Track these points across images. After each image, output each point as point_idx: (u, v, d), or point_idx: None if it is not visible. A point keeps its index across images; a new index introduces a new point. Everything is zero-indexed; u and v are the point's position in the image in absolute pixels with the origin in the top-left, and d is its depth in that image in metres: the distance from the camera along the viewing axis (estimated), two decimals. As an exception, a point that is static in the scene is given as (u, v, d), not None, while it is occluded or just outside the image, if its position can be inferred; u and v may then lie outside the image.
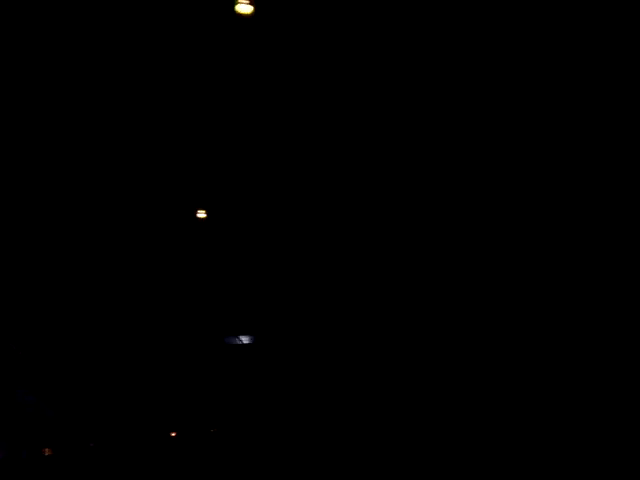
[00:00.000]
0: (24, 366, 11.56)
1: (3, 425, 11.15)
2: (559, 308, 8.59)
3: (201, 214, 11.26)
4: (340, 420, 11.19)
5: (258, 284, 12.46)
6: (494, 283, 9.38)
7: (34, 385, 11.59)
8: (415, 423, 10.16)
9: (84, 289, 12.06)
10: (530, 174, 8.87)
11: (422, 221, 10.14)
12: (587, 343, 8.23)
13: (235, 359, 13.00)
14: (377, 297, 10.88)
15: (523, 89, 8.25)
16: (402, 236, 10.41)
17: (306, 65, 7.98)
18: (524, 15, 7.09)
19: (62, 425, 11.65)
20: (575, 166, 8.39)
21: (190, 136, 9.92)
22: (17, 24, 7.53)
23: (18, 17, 7.44)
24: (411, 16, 7.10)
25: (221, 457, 12.36)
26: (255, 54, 7.83)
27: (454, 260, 9.86)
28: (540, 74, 7.98)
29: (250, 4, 6.82)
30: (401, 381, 10.52)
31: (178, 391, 12.91)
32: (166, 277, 12.57)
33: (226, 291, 12.84)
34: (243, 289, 12.65)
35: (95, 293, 12.19)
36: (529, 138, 8.68)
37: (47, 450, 11.06)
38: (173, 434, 12.78)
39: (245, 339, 12.65)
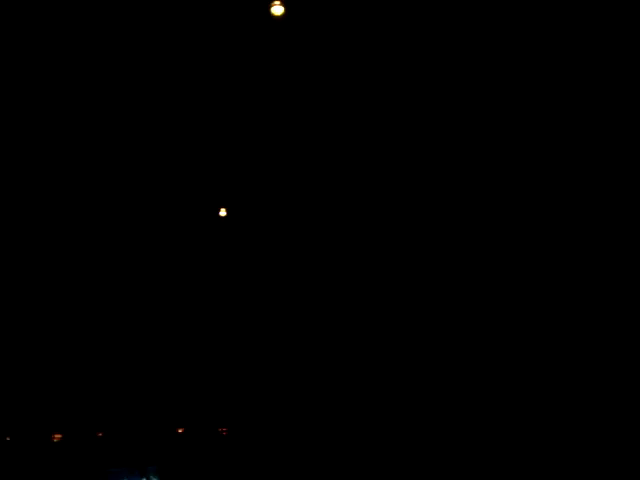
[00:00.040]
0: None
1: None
2: (559, 308, 8.63)
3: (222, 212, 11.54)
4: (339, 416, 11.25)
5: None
6: (494, 283, 9.44)
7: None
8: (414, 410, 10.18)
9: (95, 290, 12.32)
10: (530, 174, 8.96)
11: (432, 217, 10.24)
12: (587, 343, 8.26)
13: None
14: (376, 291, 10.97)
15: (523, 89, 8.40)
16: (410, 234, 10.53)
17: (334, 66, 8.26)
18: (524, 15, 7.29)
19: (71, 412, 11.85)
20: (575, 166, 8.47)
21: (219, 134, 10.21)
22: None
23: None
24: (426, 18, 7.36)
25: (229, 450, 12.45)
26: (286, 54, 8.14)
27: (454, 260, 9.95)
28: (540, 74, 8.12)
29: (281, 5, 7.14)
30: (400, 377, 10.57)
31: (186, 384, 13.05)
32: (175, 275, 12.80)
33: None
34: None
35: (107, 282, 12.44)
36: (528, 138, 8.79)
37: (56, 436, 11.26)
38: (180, 430, 12.89)
39: None
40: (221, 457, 12.62)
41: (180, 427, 12.96)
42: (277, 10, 7.37)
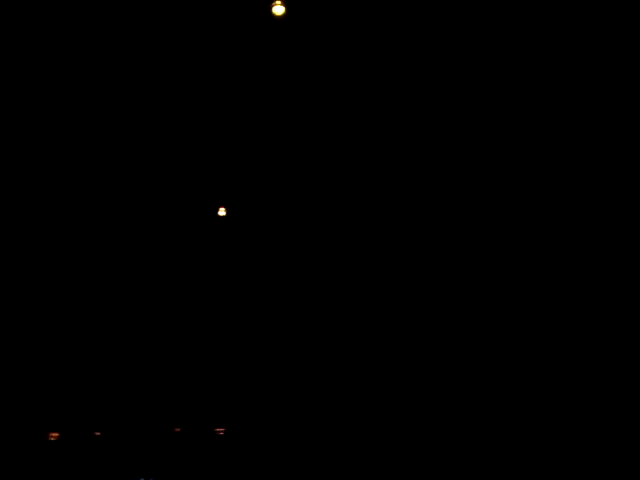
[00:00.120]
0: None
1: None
2: (559, 308, 8.62)
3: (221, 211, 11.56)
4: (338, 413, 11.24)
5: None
6: (494, 283, 9.44)
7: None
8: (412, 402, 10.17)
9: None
10: (529, 174, 8.96)
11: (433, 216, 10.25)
12: (587, 343, 8.25)
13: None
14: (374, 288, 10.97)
15: (522, 89, 8.41)
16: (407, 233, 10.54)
17: (333, 65, 8.30)
18: (524, 15, 7.32)
19: (68, 411, 11.83)
20: (575, 166, 8.47)
21: (221, 131, 10.22)
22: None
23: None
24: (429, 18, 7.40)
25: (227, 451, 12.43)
26: (287, 52, 8.17)
27: (453, 259, 9.95)
28: (540, 74, 8.14)
29: (282, 5, 7.18)
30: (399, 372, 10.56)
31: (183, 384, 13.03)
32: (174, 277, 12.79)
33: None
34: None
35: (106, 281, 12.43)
36: (528, 138, 8.79)
37: (53, 435, 11.23)
38: (177, 429, 12.88)
39: None
40: (219, 457, 12.60)
41: (177, 427, 12.95)
42: (278, 10, 7.40)
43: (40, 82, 9.23)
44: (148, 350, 12.73)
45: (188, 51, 8.81)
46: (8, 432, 11.14)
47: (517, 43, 7.82)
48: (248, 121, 9.90)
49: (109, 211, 11.73)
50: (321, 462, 11.08)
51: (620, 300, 8.04)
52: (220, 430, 12.85)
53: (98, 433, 11.84)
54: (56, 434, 11.24)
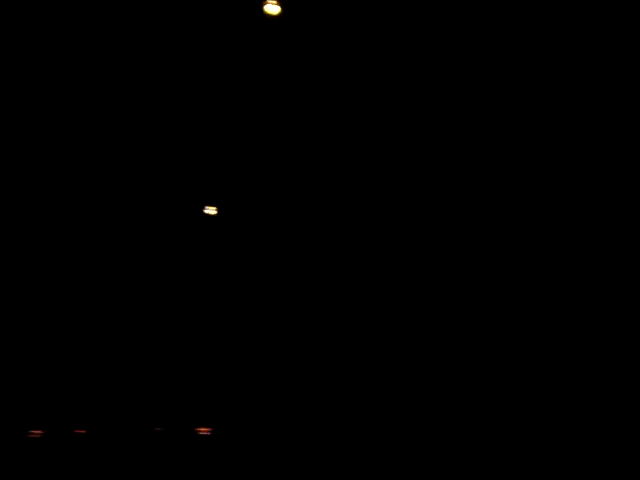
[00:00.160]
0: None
1: None
2: (559, 308, 8.71)
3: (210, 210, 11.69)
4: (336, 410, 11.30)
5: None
6: (494, 283, 9.53)
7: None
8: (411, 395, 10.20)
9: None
10: (529, 174, 9.12)
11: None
12: (587, 343, 8.35)
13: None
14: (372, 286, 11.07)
15: (522, 89, 8.65)
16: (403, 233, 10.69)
17: (328, 64, 8.54)
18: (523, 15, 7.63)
19: (51, 408, 11.73)
20: (574, 166, 8.63)
21: (210, 132, 10.34)
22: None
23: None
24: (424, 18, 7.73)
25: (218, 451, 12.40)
26: (281, 52, 8.42)
27: (452, 259, 10.10)
28: (540, 74, 8.40)
29: (277, 4, 7.49)
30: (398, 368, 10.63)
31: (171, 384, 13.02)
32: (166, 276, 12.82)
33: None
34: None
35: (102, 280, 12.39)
36: (528, 138, 8.98)
37: (36, 432, 11.12)
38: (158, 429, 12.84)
39: None
40: (200, 458, 12.57)
41: (158, 426, 12.91)
42: (272, 9, 7.70)
43: (23, 78, 9.25)
44: (133, 348, 12.69)
45: (180, 49, 8.96)
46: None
47: (517, 43, 8.08)
48: (240, 119, 10.09)
49: (100, 210, 11.74)
50: (309, 462, 11.10)
51: (620, 300, 8.21)
52: (202, 430, 12.86)
53: (81, 431, 11.77)
54: (39, 431, 11.15)
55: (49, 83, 9.45)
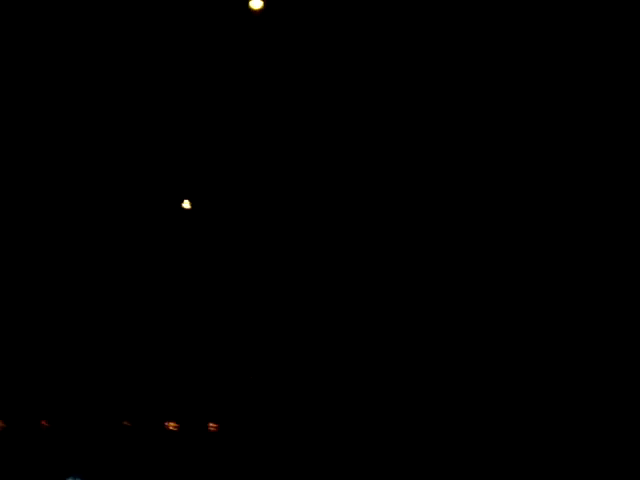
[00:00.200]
0: None
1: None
2: (559, 308, 8.59)
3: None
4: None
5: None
6: (493, 283, 9.40)
7: None
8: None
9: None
10: (529, 174, 8.98)
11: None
12: (587, 343, 8.23)
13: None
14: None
15: (522, 89, 8.51)
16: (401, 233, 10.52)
17: (312, 61, 8.43)
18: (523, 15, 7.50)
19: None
20: (575, 166, 8.50)
21: (193, 132, 10.23)
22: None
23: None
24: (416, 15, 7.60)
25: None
26: (264, 48, 8.30)
27: (452, 260, 9.97)
28: (540, 74, 8.25)
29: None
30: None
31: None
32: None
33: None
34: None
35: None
36: (528, 138, 8.84)
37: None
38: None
39: None
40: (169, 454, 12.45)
41: (126, 420, 12.75)
42: (256, 4, 7.56)
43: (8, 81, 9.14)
44: (116, 343, 12.56)
45: (163, 44, 8.85)
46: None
47: (516, 43, 7.95)
48: (225, 114, 9.97)
49: (90, 208, 11.61)
50: (310, 462, 11.01)
51: (620, 300, 8.03)
52: (172, 425, 12.71)
53: (45, 423, 11.59)
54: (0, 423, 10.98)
55: (42, 81, 9.35)
